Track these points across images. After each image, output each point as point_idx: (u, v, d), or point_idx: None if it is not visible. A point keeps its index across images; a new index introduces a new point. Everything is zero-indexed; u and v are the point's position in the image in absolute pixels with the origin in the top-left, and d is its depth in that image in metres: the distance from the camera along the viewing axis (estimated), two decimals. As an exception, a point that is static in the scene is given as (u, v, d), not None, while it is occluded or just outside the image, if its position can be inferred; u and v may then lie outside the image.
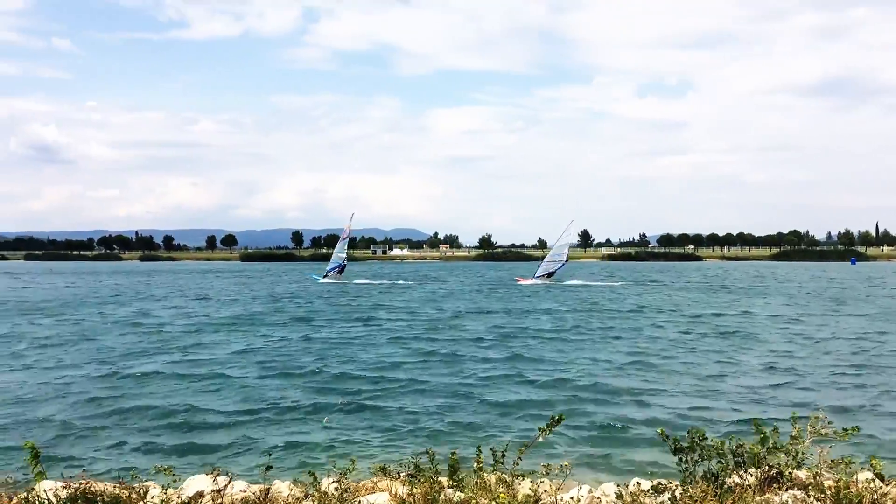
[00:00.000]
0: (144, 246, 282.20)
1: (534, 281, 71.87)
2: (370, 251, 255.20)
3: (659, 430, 7.34)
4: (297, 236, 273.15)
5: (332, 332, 28.53)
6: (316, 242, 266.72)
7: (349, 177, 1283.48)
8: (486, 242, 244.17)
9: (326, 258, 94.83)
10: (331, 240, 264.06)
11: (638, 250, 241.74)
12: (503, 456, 7.00)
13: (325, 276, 77.66)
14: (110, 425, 13.43)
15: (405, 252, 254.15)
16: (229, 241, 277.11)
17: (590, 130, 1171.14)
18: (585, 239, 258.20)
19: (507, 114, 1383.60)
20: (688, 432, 6.97)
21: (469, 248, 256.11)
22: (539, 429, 7.13)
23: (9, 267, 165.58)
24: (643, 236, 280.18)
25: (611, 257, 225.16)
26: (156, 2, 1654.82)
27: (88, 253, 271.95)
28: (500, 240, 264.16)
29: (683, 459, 6.86)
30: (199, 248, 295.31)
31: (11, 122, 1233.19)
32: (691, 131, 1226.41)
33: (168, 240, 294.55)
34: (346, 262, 77.19)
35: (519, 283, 73.83)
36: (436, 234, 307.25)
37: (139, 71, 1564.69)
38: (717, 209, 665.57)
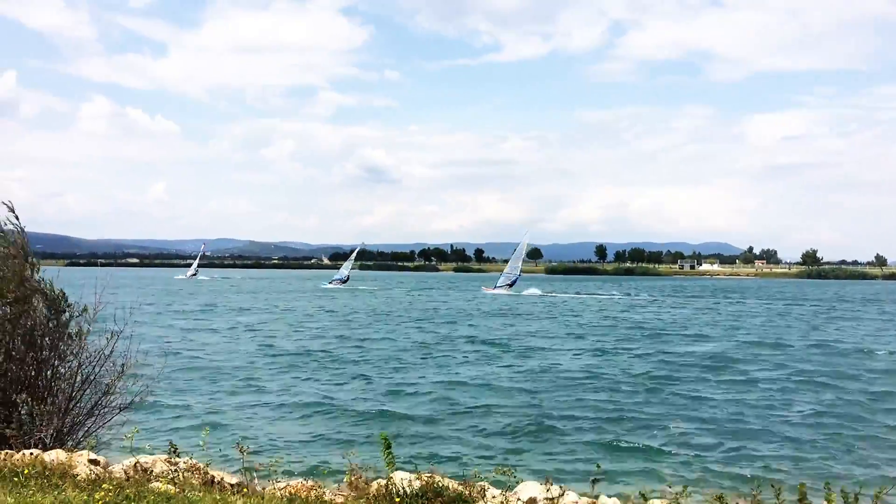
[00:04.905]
0: (458, 258, 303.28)
1: (496, 290, 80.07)
2: (677, 266, 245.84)
3: None
4: (600, 250, 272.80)
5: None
6: (619, 256, 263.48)
7: (654, 190, 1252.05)
8: (810, 258, 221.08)
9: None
10: (635, 254, 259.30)
11: None
12: (856, 499, 6.25)
13: (330, 283, 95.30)
14: (448, 426, 14.49)
15: (715, 267, 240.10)
16: (535, 254, 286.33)
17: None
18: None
19: (837, 116, 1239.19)
20: None
21: (790, 264, 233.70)
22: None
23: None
24: None
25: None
26: (472, 30, 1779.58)
27: (409, 264, 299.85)
28: (828, 256, 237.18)
29: None
30: (506, 261, 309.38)
31: (350, 147, 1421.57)
32: None
33: (479, 252, 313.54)
34: (348, 277, 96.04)
35: (484, 291, 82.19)
36: (750, 248, 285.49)
37: (456, 95, 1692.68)
38: None
